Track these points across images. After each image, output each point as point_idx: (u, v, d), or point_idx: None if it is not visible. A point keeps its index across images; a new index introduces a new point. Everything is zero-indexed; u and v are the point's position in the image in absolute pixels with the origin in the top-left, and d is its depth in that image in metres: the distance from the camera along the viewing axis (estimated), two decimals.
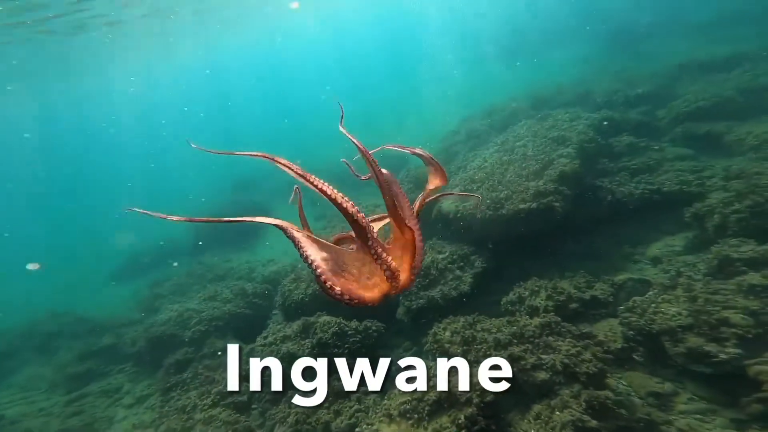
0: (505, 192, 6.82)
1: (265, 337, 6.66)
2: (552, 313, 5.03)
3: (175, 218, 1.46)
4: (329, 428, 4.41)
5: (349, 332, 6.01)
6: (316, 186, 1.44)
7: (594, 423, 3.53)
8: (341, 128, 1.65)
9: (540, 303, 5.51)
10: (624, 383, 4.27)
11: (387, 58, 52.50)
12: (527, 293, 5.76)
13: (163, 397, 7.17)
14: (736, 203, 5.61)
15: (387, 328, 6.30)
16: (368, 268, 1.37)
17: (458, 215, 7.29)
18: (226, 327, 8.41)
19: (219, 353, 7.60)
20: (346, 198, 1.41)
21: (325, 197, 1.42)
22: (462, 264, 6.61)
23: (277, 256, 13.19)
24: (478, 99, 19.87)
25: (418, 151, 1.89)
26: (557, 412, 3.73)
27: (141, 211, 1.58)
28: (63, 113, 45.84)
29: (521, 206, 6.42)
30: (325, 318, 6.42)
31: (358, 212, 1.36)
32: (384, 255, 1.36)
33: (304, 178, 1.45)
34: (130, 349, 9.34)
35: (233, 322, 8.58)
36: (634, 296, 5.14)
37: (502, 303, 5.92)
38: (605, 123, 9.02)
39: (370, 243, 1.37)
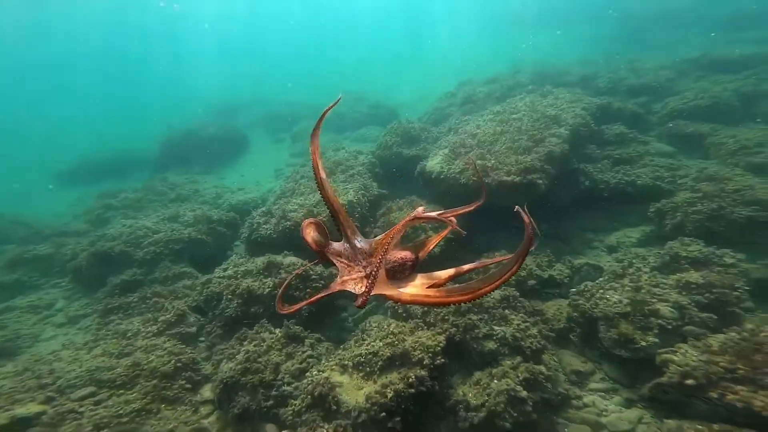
0: (493, 161, 6.66)
1: (225, 269, 6.44)
2: (512, 287, 5.19)
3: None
4: (278, 369, 4.50)
5: (313, 276, 5.95)
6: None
7: (524, 393, 3.79)
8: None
9: None
10: (555, 360, 4.57)
11: (414, 13, 48.65)
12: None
13: (102, 319, 6.63)
14: (698, 204, 5.84)
15: None
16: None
17: (441, 177, 7.12)
18: (183, 252, 7.95)
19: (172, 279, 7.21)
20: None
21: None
22: (436, 225, 6.59)
23: (248, 186, 12.66)
24: (487, 64, 19.23)
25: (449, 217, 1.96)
26: (495, 381, 3.95)
27: None
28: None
29: (505, 178, 6.33)
30: (292, 258, 6.27)
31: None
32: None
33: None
34: (70, 262, 8.50)
35: (192, 248, 8.14)
36: (587, 280, 5.37)
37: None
38: (602, 109, 8.91)
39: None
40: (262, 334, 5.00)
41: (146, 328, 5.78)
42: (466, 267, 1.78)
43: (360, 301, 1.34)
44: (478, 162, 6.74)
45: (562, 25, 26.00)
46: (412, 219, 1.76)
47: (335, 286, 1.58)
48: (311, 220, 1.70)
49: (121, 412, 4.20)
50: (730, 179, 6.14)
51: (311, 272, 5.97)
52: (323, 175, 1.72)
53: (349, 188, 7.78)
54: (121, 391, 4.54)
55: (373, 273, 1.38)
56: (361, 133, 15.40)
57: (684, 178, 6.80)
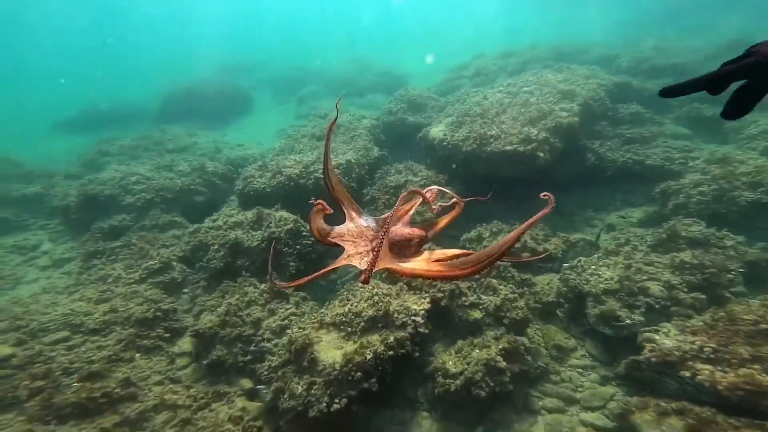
0: (495, 131, 6.36)
1: (214, 220, 6.30)
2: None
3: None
4: (259, 325, 4.45)
5: (304, 233, 5.81)
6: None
7: (503, 364, 3.71)
8: None
9: None
10: (539, 334, 4.50)
11: None
12: (487, 234, 5.71)
13: (84, 263, 6.44)
14: (704, 185, 5.64)
15: None
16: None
17: (444, 143, 6.86)
18: (174, 201, 7.79)
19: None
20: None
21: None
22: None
23: (248, 142, 12.43)
24: (503, 39, 18.51)
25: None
26: (477, 350, 3.87)
27: None
28: None
29: (506, 148, 6.06)
30: (283, 213, 6.12)
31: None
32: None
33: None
34: (59, 201, 8.33)
35: (185, 198, 7.98)
36: (581, 256, 5.24)
37: (461, 238, 5.88)
38: (620, 87, 8.52)
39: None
40: (245, 288, 4.93)
41: (128, 275, 5.65)
42: (472, 252, 1.76)
43: (363, 277, 1.32)
44: (480, 131, 6.43)
45: (594, 3, 24.59)
46: (411, 192, 1.82)
47: (340, 261, 1.60)
48: (318, 207, 1.77)
49: (93, 358, 4.16)
50: (743, 162, 5.88)
51: (302, 229, 5.85)
52: (331, 166, 1.77)
53: (348, 149, 7.57)
54: (96, 338, 4.49)
55: (377, 249, 1.39)
56: (367, 99, 15.12)
57: (696, 160, 6.58)
